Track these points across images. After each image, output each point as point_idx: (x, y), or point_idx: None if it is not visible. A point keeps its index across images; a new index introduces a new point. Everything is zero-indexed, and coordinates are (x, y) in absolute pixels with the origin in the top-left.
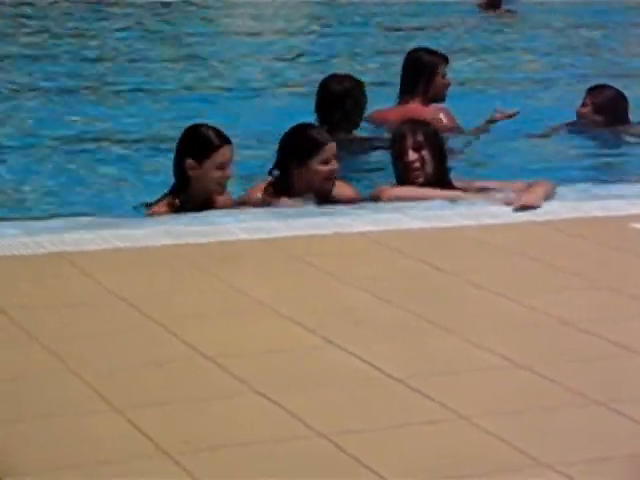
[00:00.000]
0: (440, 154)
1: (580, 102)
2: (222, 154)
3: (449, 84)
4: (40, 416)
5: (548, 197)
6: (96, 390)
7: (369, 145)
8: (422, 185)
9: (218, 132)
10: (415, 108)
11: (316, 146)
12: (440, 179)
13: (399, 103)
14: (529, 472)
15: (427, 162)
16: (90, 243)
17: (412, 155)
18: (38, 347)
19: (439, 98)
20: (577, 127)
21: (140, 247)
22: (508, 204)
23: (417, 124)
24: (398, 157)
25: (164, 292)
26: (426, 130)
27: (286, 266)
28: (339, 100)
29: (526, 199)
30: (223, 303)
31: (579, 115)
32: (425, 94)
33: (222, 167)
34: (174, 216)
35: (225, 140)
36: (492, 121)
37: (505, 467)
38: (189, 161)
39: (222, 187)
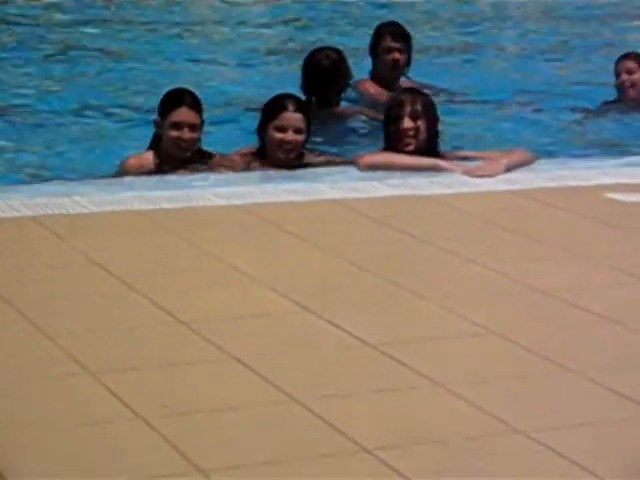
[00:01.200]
0: (434, 127)
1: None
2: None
3: (394, 59)
4: (14, 379)
5: (522, 166)
6: (70, 354)
7: (358, 115)
8: (411, 153)
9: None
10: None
11: (272, 110)
12: (429, 150)
13: None
14: (503, 438)
15: (421, 132)
16: (64, 207)
17: (408, 122)
18: (10, 310)
19: (387, 76)
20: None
21: (114, 211)
22: (467, 173)
23: (417, 93)
24: (392, 123)
25: (138, 257)
26: (425, 100)
27: (261, 232)
28: (329, 74)
29: (482, 169)
30: (198, 268)
31: (631, 84)
32: (374, 68)
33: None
34: (148, 181)
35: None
36: None
37: (479, 433)
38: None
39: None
